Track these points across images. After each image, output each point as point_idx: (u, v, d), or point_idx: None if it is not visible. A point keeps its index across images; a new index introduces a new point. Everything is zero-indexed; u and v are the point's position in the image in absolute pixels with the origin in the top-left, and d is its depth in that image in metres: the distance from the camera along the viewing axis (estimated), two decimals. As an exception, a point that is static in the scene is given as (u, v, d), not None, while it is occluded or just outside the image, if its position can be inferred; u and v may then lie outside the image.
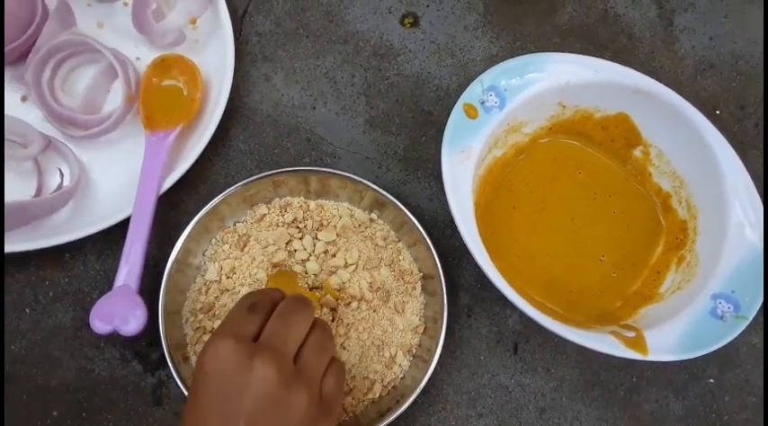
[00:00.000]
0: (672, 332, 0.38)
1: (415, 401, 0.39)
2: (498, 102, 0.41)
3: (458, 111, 0.40)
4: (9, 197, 0.42)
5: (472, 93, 0.40)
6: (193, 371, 0.33)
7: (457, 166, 0.39)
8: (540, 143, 0.45)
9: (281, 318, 0.34)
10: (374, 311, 0.42)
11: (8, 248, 0.40)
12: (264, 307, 0.34)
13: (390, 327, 0.42)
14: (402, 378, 0.41)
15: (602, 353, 0.42)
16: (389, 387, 0.41)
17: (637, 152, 0.45)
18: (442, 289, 0.41)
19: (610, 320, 0.41)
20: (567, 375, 0.44)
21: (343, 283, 0.42)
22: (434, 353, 0.40)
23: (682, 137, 0.42)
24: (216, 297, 0.42)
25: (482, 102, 0.41)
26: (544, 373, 0.44)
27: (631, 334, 0.38)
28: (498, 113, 0.41)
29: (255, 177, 0.43)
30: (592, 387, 0.44)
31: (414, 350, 0.42)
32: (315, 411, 0.32)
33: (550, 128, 0.45)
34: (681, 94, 0.42)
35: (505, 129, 0.43)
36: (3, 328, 0.41)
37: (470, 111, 0.40)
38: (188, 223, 0.43)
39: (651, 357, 0.36)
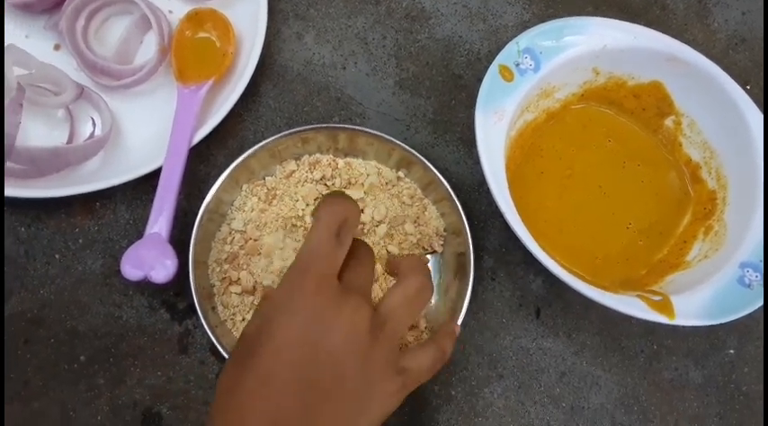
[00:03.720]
0: (698, 298, 0.38)
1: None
2: (533, 64, 0.41)
3: (493, 72, 0.40)
4: (41, 143, 0.42)
5: (508, 54, 0.40)
6: (262, 309, 0.30)
7: (490, 127, 0.39)
8: (571, 109, 0.45)
9: (362, 262, 0.32)
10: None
11: (40, 194, 0.41)
12: (350, 232, 0.31)
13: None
14: (426, 338, 0.42)
15: (623, 320, 0.42)
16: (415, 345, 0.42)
17: (668, 121, 0.45)
18: (468, 244, 0.41)
19: (635, 286, 0.41)
20: (588, 340, 0.44)
21: (377, 252, 0.42)
22: (460, 311, 0.40)
23: (716, 107, 0.42)
24: (240, 247, 0.42)
25: (517, 64, 0.41)
26: (565, 338, 0.44)
27: (658, 298, 0.38)
28: (533, 76, 0.41)
29: (285, 133, 0.43)
30: (612, 353, 0.44)
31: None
32: (394, 380, 0.30)
33: (582, 95, 0.45)
34: (708, 59, 0.42)
35: (538, 93, 0.43)
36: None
37: (505, 73, 0.40)
38: (216, 176, 0.43)
39: (678, 320, 0.37)
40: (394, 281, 0.35)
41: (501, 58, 0.40)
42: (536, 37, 0.41)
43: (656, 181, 0.45)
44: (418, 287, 0.32)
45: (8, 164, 0.40)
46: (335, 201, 0.32)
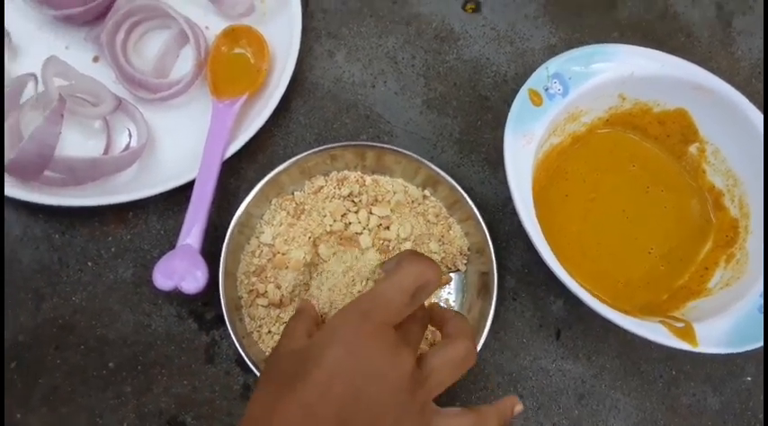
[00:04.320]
0: (720, 326, 0.38)
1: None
2: (562, 89, 0.42)
3: (522, 96, 0.40)
4: (79, 153, 0.43)
5: (537, 78, 0.41)
6: (318, 339, 0.30)
7: (519, 150, 0.40)
8: (596, 133, 0.46)
9: (418, 321, 0.32)
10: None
11: (74, 202, 0.42)
12: (426, 296, 0.32)
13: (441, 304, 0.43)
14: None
15: (643, 345, 0.43)
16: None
17: (692, 148, 0.45)
18: (492, 264, 0.42)
19: (656, 312, 0.42)
20: (607, 363, 0.45)
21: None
22: (482, 331, 0.41)
23: (740, 135, 0.43)
24: (268, 260, 0.43)
25: (546, 89, 0.41)
26: (585, 360, 0.45)
27: (680, 325, 0.39)
28: (561, 101, 0.41)
29: (314, 150, 0.44)
30: (632, 377, 0.45)
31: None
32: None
33: (608, 120, 0.46)
34: (735, 89, 0.43)
35: (565, 118, 0.43)
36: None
37: (535, 98, 0.41)
38: (246, 190, 0.44)
39: (700, 348, 0.37)
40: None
41: (531, 83, 0.41)
42: (565, 62, 0.42)
43: (679, 207, 0.45)
44: (465, 353, 0.32)
45: (46, 173, 0.41)
46: (424, 262, 0.32)
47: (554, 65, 0.41)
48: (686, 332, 0.38)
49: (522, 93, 0.41)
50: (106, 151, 0.44)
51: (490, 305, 0.41)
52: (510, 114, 0.40)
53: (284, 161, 0.44)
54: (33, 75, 0.42)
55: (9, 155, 0.40)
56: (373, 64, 0.49)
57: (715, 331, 0.38)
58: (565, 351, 0.45)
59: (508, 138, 0.40)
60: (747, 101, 0.42)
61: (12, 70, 0.45)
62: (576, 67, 0.42)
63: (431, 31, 0.51)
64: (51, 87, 0.42)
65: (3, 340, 0.37)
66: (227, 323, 0.40)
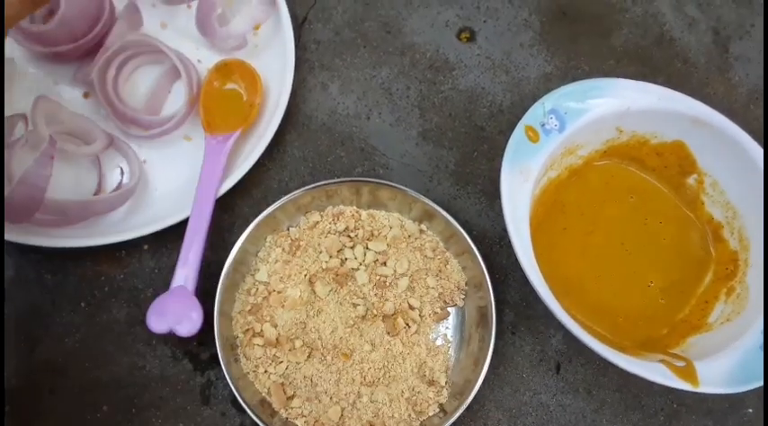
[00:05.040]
0: (722, 365, 0.38)
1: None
2: (558, 125, 0.41)
3: (519, 133, 0.40)
4: (70, 192, 0.42)
5: (534, 114, 0.41)
6: None
7: (516, 187, 0.40)
8: (593, 165, 0.45)
9: None
10: (425, 325, 0.43)
11: (66, 243, 0.41)
12: None
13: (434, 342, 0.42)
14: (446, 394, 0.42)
15: (644, 378, 0.42)
16: (435, 401, 0.42)
17: (690, 180, 0.45)
18: (490, 299, 0.41)
19: (656, 347, 0.41)
20: (608, 397, 0.44)
21: (399, 305, 0.43)
22: (482, 365, 0.40)
23: (739, 169, 0.43)
24: (264, 298, 0.42)
25: (542, 125, 0.41)
26: (585, 394, 0.44)
27: (681, 364, 0.38)
28: (558, 136, 0.41)
29: (309, 186, 0.43)
30: (632, 411, 0.44)
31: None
32: None
33: (605, 152, 0.45)
34: (733, 122, 0.43)
35: (562, 152, 0.43)
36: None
37: (531, 134, 0.40)
38: (241, 226, 0.44)
39: (702, 388, 0.37)
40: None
41: (527, 119, 0.40)
42: (561, 98, 0.41)
43: (678, 239, 0.45)
44: None
45: (37, 215, 0.40)
46: None
47: (550, 100, 0.41)
48: (687, 372, 0.37)
49: (519, 129, 0.40)
50: (98, 189, 0.44)
51: (489, 339, 0.41)
52: (506, 151, 0.40)
53: (279, 195, 0.44)
54: (23, 116, 0.41)
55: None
56: (368, 95, 0.49)
57: (717, 369, 0.38)
58: (565, 385, 0.44)
59: (505, 175, 0.39)
60: (746, 134, 0.42)
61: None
62: (572, 103, 0.41)
63: (425, 61, 0.50)
64: (41, 128, 0.41)
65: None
66: (222, 364, 0.39)
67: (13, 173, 0.40)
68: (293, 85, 0.46)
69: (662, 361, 0.38)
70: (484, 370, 0.41)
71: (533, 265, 0.38)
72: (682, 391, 0.44)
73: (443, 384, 0.42)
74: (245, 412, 0.41)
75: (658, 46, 0.53)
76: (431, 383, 0.42)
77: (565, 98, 0.41)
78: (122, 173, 0.44)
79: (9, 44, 0.45)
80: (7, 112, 0.43)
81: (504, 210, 0.39)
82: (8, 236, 0.40)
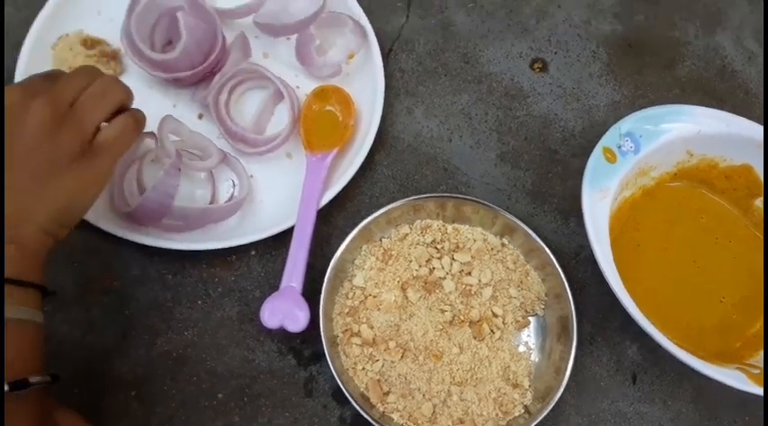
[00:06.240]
0: (797, 373, 0.40)
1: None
2: (634, 147, 0.45)
3: (597, 154, 0.44)
4: (188, 202, 0.47)
5: (611, 137, 0.44)
6: None
7: (595, 204, 0.43)
8: (665, 186, 0.49)
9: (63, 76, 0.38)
10: (508, 332, 0.46)
11: (186, 246, 0.46)
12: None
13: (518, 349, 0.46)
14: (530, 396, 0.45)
15: (717, 390, 0.45)
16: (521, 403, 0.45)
17: (758, 202, 0.48)
18: (571, 309, 0.44)
19: (731, 358, 0.44)
20: (683, 408, 0.46)
21: (483, 312, 0.46)
22: (564, 373, 0.43)
23: (805, 190, 0.45)
24: (360, 302, 0.46)
25: (619, 147, 0.45)
26: (662, 404, 0.46)
27: (756, 372, 0.40)
28: (633, 158, 0.45)
29: (400, 202, 0.47)
30: (708, 422, 0.46)
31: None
32: (79, 151, 0.36)
33: (675, 174, 0.49)
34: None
35: (636, 172, 0.46)
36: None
37: (609, 155, 0.44)
38: (337, 236, 0.48)
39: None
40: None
41: (605, 141, 0.44)
42: (637, 122, 0.45)
43: (748, 257, 0.47)
44: (103, 85, 0.39)
45: (164, 220, 0.45)
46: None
47: (626, 124, 0.45)
48: (763, 379, 0.40)
49: (597, 150, 0.44)
50: (211, 200, 0.48)
51: (570, 348, 0.44)
52: (586, 171, 0.43)
53: (370, 209, 0.48)
54: (153, 133, 0.46)
55: (132, 203, 0.45)
56: (449, 120, 0.53)
57: (791, 377, 0.40)
58: (641, 395, 0.47)
59: (585, 194, 0.43)
60: (812, 158, 0.45)
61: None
62: (647, 126, 0.45)
63: (501, 88, 0.54)
64: (168, 143, 0.46)
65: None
66: (329, 359, 0.43)
67: (144, 184, 0.46)
68: (382, 110, 0.51)
69: (738, 369, 0.41)
70: (565, 378, 0.43)
71: (616, 276, 0.41)
72: (754, 403, 0.47)
73: (527, 387, 0.45)
74: (344, 405, 0.45)
75: (720, 77, 0.56)
76: (515, 385, 0.45)
77: (640, 122, 0.45)
78: (234, 185, 0.49)
79: (136, 71, 0.51)
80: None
81: (586, 225, 0.42)
82: (137, 239, 0.45)
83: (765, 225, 0.45)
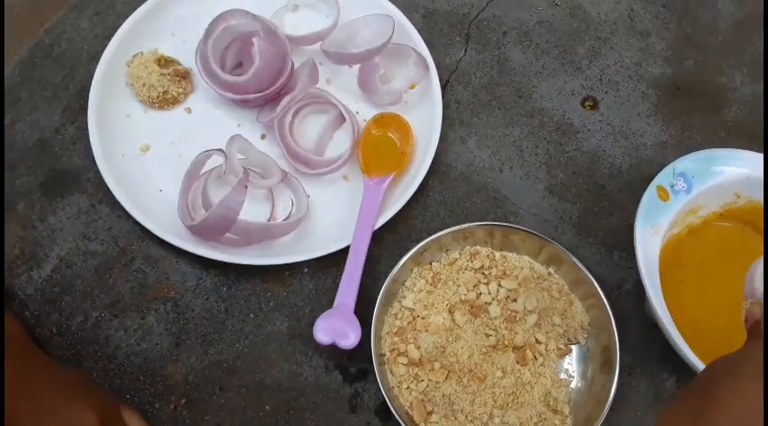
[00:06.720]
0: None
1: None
2: (686, 186, 0.46)
3: (651, 191, 0.45)
4: (246, 217, 0.49)
5: (665, 176, 0.46)
6: None
7: (647, 239, 0.44)
8: (711, 225, 0.50)
9: None
10: (550, 359, 0.47)
11: (243, 261, 0.48)
12: None
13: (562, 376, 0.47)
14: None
15: None
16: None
17: (802, 245, 0.49)
18: (615, 341, 0.45)
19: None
20: (721, 444, 0.47)
21: (527, 338, 0.48)
22: (605, 403, 0.44)
23: None
24: (409, 322, 0.48)
25: (672, 186, 0.46)
26: (699, 439, 0.47)
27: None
28: (684, 197, 0.46)
29: (451, 229, 0.49)
30: (745, 459, 0.47)
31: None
32: None
33: (722, 214, 0.50)
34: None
35: (686, 211, 0.48)
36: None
37: (662, 193, 0.46)
38: (388, 257, 0.50)
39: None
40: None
41: (659, 180, 0.46)
42: (690, 163, 0.47)
43: (791, 299, 0.48)
44: None
45: (227, 234, 0.47)
46: None
47: (681, 165, 0.46)
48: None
49: (651, 188, 0.45)
50: (270, 217, 0.51)
51: (613, 379, 0.45)
52: (639, 208, 0.45)
53: (421, 233, 0.50)
54: (221, 151, 0.49)
55: (196, 218, 0.47)
56: (501, 151, 0.55)
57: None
58: (679, 429, 0.47)
59: (639, 229, 0.44)
60: None
61: (191, 140, 0.52)
62: (700, 167, 0.46)
63: (552, 124, 0.56)
64: (235, 161, 0.48)
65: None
66: (378, 376, 0.44)
67: (210, 199, 0.48)
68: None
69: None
70: (606, 408, 0.44)
71: (665, 309, 0.42)
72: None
73: (567, 413, 0.46)
74: (387, 422, 0.46)
75: (765, 123, 0.58)
76: (556, 411, 0.46)
77: (694, 163, 0.46)
78: (292, 204, 0.51)
79: (204, 89, 0.54)
80: (198, 149, 0.50)
81: (638, 260, 0.44)
82: (196, 251, 0.47)
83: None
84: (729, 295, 0.48)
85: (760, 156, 0.47)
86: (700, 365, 0.41)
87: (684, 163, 0.46)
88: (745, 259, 0.49)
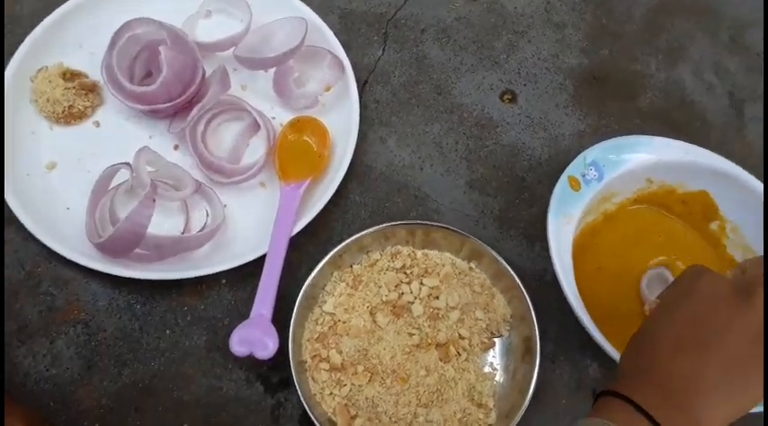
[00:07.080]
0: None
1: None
2: (597, 175, 0.47)
3: (563, 182, 0.46)
4: (161, 231, 0.48)
5: (576, 166, 0.46)
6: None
7: (560, 230, 0.45)
8: (625, 210, 0.51)
9: None
10: (474, 354, 0.47)
11: (158, 276, 0.46)
12: None
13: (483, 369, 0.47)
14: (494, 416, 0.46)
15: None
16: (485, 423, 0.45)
17: (713, 225, 0.50)
18: (534, 330, 0.46)
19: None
20: None
21: (450, 334, 0.47)
22: (527, 392, 0.44)
23: (757, 216, 0.47)
24: (330, 327, 0.47)
25: (583, 175, 0.46)
26: (625, 424, 0.47)
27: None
28: (597, 185, 0.47)
29: (371, 230, 0.48)
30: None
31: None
32: None
33: (635, 199, 0.50)
34: (750, 174, 0.48)
35: (599, 199, 0.48)
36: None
37: (574, 183, 0.46)
38: (308, 263, 0.49)
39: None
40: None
41: (570, 170, 0.46)
42: (600, 152, 0.47)
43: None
44: None
45: (135, 250, 0.46)
46: None
47: (591, 154, 0.47)
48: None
49: (563, 179, 0.46)
50: (184, 229, 0.49)
51: (534, 368, 0.45)
52: (552, 199, 0.45)
53: (342, 236, 0.49)
54: (128, 165, 0.47)
55: (104, 234, 0.46)
56: (421, 149, 0.55)
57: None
58: (604, 416, 0.48)
59: (551, 221, 0.44)
60: (762, 185, 0.47)
61: (100, 154, 0.51)
62: (611, 156, 0.47)
63: (472, 119, 0.56)
64: (143, 174, 0.47)
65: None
66: (297, 384, 0.43)
67: (117, 214, 0.46)
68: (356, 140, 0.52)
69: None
70: (528, 397, 0.44)
71: (577, 298, 0.42)
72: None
73: (491, 407, 0.46)
74: (313, 430, 0.45)
75: (680, 108, 0.59)
76: (480, 405, 0.46)
77: (604, 152, 0.47)
78: (207, 215, 0.50)
79: (113, 103, 0.52)
80: (107, 163, 0.49)
81: (550, 251, 0.44)
82: (106, 270, 0.46)
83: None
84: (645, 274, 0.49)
85: (668, 141, 0.48)
86: (613, 352, 0.41)
87: (595, 152, 0.47)
88: (659, 238, 0.50)
